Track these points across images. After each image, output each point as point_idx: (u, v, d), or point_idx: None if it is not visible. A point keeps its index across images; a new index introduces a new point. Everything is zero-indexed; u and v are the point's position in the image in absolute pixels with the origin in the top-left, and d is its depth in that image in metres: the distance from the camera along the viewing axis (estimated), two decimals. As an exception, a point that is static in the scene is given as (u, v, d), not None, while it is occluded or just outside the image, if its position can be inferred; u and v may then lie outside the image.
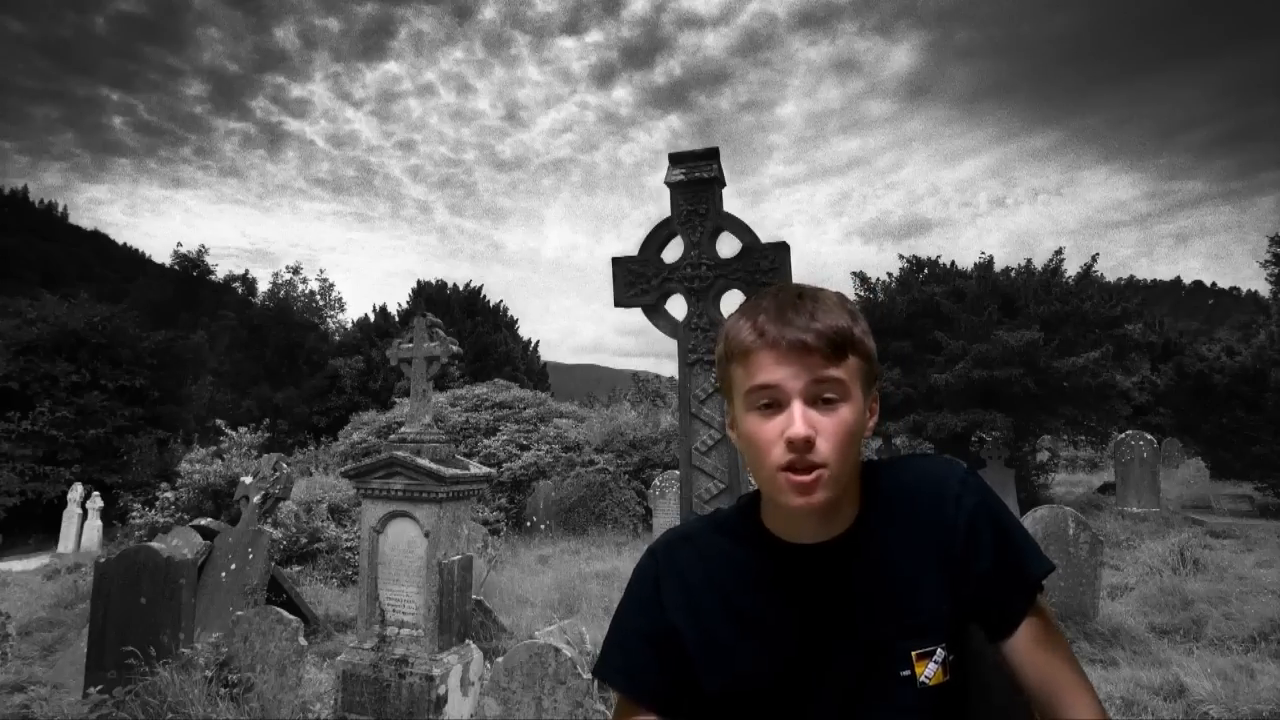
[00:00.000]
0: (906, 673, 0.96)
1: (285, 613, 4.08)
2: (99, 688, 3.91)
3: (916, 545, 0.98)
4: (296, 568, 7.78)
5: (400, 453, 4.38)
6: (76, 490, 14.63)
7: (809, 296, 0.93)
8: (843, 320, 0.91)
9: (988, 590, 0.97)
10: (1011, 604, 0.97)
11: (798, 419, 0.87)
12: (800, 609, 0.98)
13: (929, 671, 0.96)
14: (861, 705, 0.97)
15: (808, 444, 0.87)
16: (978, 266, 13.73)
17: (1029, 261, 13.51)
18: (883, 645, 0.97)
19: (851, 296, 13.96)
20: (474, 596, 5.05)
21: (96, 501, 14.27)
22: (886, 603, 0.97)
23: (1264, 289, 19.24)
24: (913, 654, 0.96)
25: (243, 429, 12.27)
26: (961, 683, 1.00)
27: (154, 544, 4.60)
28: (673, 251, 3.27)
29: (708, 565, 1.01)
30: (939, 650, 0.97)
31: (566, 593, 7.07)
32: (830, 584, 0.98)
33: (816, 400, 0.89)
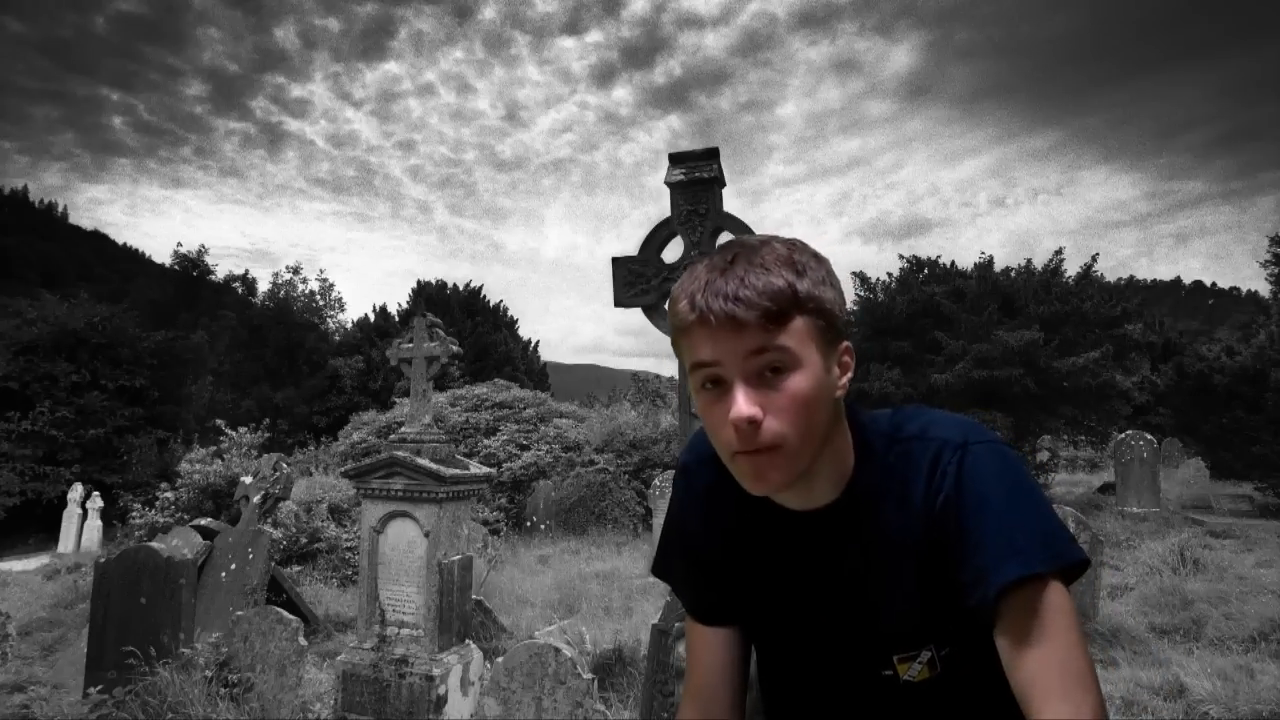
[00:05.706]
0: (889, 672, 0.92)
1: (285, 613, 4.08)
2: (99, 688, 3.90)
3: (901, 528, 0.88)
4: (296, 568, 7.77)
5: (400, 453, 4.37)
6: (76, 490, 14.61)
7: (743, 258, 0.81)
8: (780, 280, 0.79)
9: (956, 591, 0.85)
10: (980, 607, 0.83)
11: (740, 401, 0.78)
12: (789, 577, 0.96)
13: (912, 672, 0.92)
14: (843, 688, 0.97)
15: (754, 425, 0.78)
16: (978, 266, 13.75)
17: (1029, 261, 13.53)
18: (863, 644, 0.93)
19: (851, 297, 14.05)
20: (474, 596, 5.04)
21: (96, 501, 14.25)
22: (866, 599, 0.91)
23: (1264, 289, 19.22)
24: (894, 658, 0.92)
25: (243, 429, 12.25)
26: (968, 672, 0.91)
27: (154, 544, 4.60)
28: (673, 251, 3.27)
29: (711, 499, 1.01)
30: (924, 652, 0.91)
31: (566, 593, 7.06)
32: (814, 560, 0.93)
33: (762, 373, 0.79)
